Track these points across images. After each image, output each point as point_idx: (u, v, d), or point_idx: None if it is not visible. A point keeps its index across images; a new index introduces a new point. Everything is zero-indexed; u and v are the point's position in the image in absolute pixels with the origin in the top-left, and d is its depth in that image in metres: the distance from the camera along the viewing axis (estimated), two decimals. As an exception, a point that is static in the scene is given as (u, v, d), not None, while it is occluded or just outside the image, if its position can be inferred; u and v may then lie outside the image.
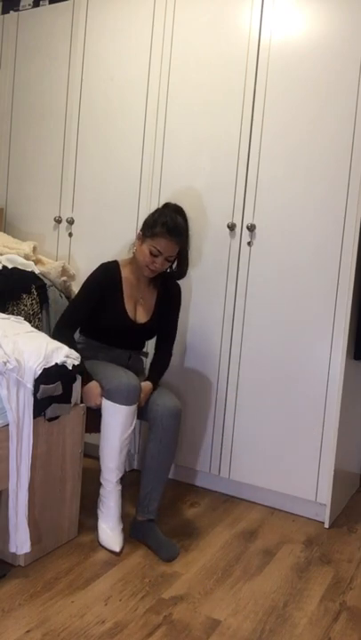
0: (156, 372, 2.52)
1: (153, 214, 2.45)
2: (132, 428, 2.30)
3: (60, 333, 2.40)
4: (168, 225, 2.36)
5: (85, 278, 2.49)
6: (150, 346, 2.68)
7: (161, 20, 2.82)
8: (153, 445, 2.32)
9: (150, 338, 2.62)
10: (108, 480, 2.31)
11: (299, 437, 2.60)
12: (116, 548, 2.25)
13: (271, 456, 2.67)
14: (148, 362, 2.70)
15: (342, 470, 2.68)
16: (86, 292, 2.47)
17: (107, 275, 2.47)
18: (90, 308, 2.46)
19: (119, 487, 2.32)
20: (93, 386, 2.32)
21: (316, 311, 2.54)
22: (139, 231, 2.46)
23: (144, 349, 2.68)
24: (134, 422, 2.30)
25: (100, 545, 2.29)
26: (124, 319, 2.47)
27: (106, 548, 2.27)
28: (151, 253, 2.38)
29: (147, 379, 2.47)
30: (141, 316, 2.51)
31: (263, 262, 2.64)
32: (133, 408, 2.27)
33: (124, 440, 2.28)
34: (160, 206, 2.54)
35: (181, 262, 2.52)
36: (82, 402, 2.31)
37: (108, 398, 2.27)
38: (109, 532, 2.29)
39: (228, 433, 2.76)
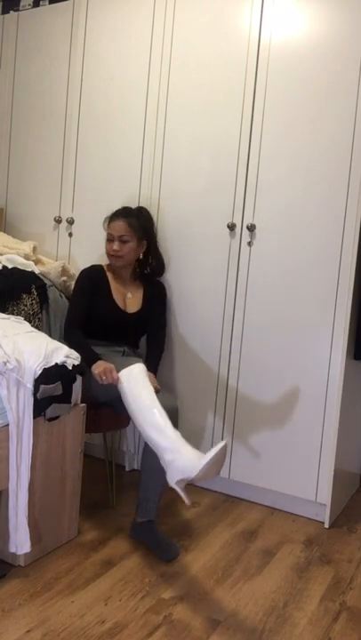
0: (154, 358, 2.65)
1: None
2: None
3: (70, 333, 2.54)
4: (116, 212, 2.65)
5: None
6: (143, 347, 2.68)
7: (161, 20, 2.82)
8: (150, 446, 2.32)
9: (143, 331, 2.73)
10: (166, 438, 2.15)
11: (299, 437, 2.60)
12: (203, 463, 2.00)
13: (271, 456, 2.67)
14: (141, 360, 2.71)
15: (342, 470, 2.68)
16: (79, 288, 2.64)
17: (93, 272, 2.66)
18: (87, 303, 2.60)
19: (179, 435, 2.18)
20: (103, 364, 2.35)
21: (316, 311, 2.54)
22: None
23: (138, 350, 2.70)
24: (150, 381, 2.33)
25: (173, 487, 2.07)
26: (115, 309, 2.61)
27: (183, 485, 2.06)
28: (108, 240, 2.61)
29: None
30: (132, 307, 2.66)
31: (263, 262, 2.64)
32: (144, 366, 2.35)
33: (153, 398, 2.24)
34: None
35: (154, 256, 2.72)
36: (82, 402, 2.31)
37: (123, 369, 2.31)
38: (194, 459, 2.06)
39: (228, 433, 2.76)
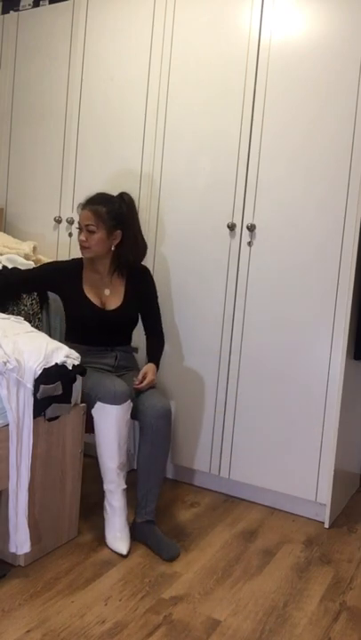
0: (154, 353, 2.59)
1: None
2: (128, 427, 2.30)
3: None
4: (87, 198, 2.51)
5: None
6: (139, 342, 2.67)
7: (161, 20, 2.82)
8: (145, 447, 2.33)
9: (130, 326, 2.61)
10: (110, 481, 2.30)
11: (299, 437, 2.60)
12: (124, 551, 2.24)
13: (271, 456, 2.67)
14: (138, 357, 2.70)
15: (342, 470, 2.68)
16: (40, 267, 2.61)
17: (69, 262, 2.62)
18: (41, 274, 2.55)
19: (123, 487, 2.31)
20: None
21: (316, 311, 2.54)
22: None
23: (131, 344, 2.67)
24: (128, 420, 2.30)
25: (107, 547, 2.28)
26: (91, 308, 2.48)
27: (112, 550, 2.26)
28: (78, 230, 2.49)
29: (148, 361, 2.55)
30: (111, 304, 2.52)
31: (263, 262, 2.64)
32: (124, 407, 2.27)
33: (121, 438, 2.27)
34: None
35: (133, 245, 2.52)
36: (83, 401, 2.31)
37: (100, 400, 2.27)
38: (116, 533, 2.28)
39: (228, 433, 2.76)
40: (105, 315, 2.50)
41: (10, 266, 2.69)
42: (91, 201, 2.48)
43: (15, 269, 2.58)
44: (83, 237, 2.45)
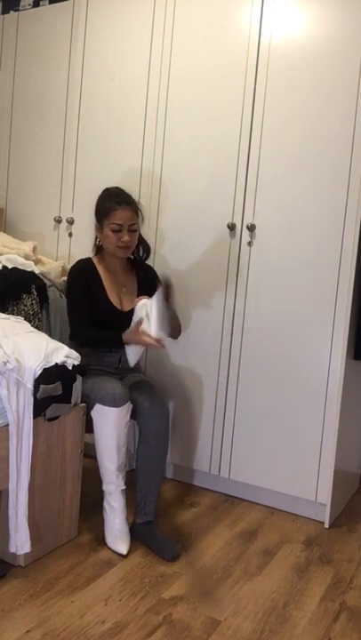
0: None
1: (97, 202, 2.50)
2: (127, 428, 2.30)
3: (81, 335, 2.42)
4: (114, 198, 2.43)
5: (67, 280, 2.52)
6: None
7: (161, 20, 2.82)
8: (143, 448, 2.32)
9: None
10: (109, 482, 2.31)
11: (299, 437, 2.60)
12: (123, 551, 2.24)
13: (271, 456, 2.67)
14: (142, 360, 2.70)
15: (342, 470, 2.68)
16: (76, 288, 2.46)
17: (84, 268, 2.49)
18: (88, 301, 2.45)
19: (122, 487, 2.31)
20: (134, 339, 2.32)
21: (316, 311, 2.54)
22: (95, 225, 2.50)
23: None
24: (128, 422, 2.30)
25: (107, 547, 2.28)
26: (110, 309, 2.45)
27: (112, 550, 2.26)
28: (114, 231, 2.41)
29: None
30: (127, 305, 2.50)
31: (263, 262, 2.64)
32: (123, 409, 2.26)
33: (120, 440, 2.27)
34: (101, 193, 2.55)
35: (142, 239, 2.56)
36: (82, 402, 2.31)
37: (98, 402, 2.27)
38: (116, 533, 2.28)
39: (228, 433, 2.76)
40: (122, 316, 2.45)
41: (10, 266, 2.69)
42: (127, 200, 2.44)
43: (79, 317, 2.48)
44: (127, 238, 2.41)
